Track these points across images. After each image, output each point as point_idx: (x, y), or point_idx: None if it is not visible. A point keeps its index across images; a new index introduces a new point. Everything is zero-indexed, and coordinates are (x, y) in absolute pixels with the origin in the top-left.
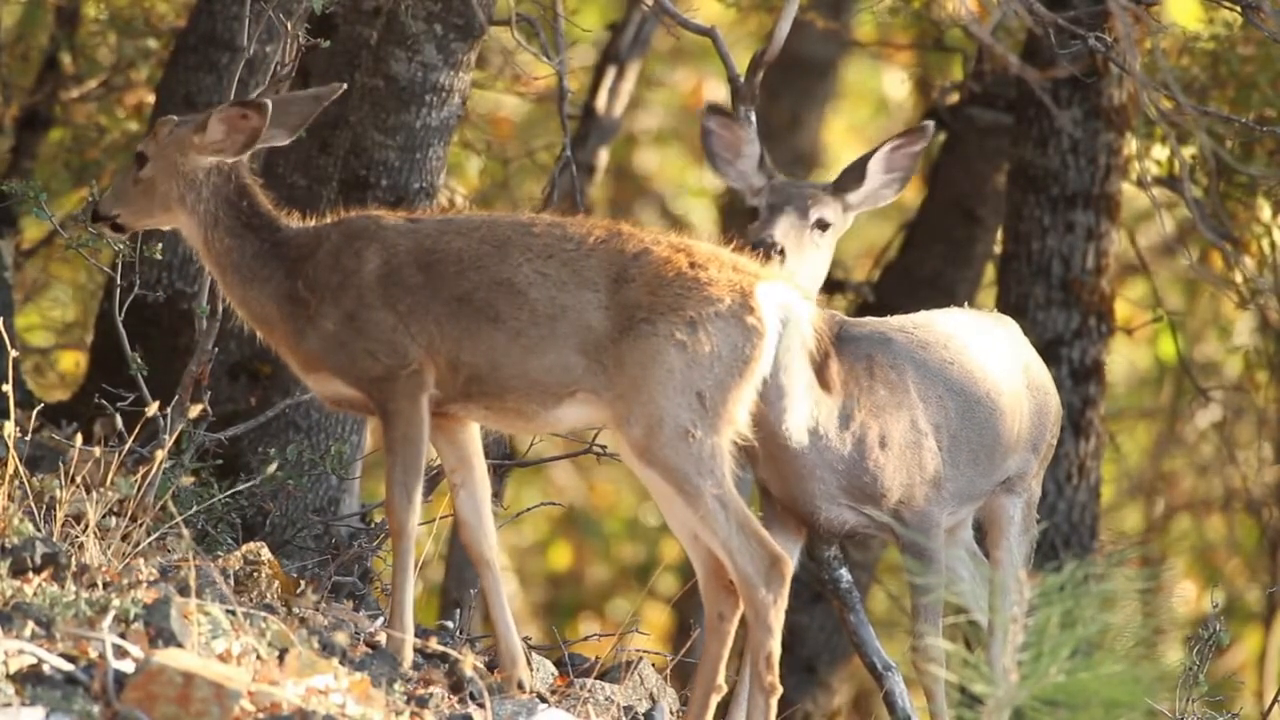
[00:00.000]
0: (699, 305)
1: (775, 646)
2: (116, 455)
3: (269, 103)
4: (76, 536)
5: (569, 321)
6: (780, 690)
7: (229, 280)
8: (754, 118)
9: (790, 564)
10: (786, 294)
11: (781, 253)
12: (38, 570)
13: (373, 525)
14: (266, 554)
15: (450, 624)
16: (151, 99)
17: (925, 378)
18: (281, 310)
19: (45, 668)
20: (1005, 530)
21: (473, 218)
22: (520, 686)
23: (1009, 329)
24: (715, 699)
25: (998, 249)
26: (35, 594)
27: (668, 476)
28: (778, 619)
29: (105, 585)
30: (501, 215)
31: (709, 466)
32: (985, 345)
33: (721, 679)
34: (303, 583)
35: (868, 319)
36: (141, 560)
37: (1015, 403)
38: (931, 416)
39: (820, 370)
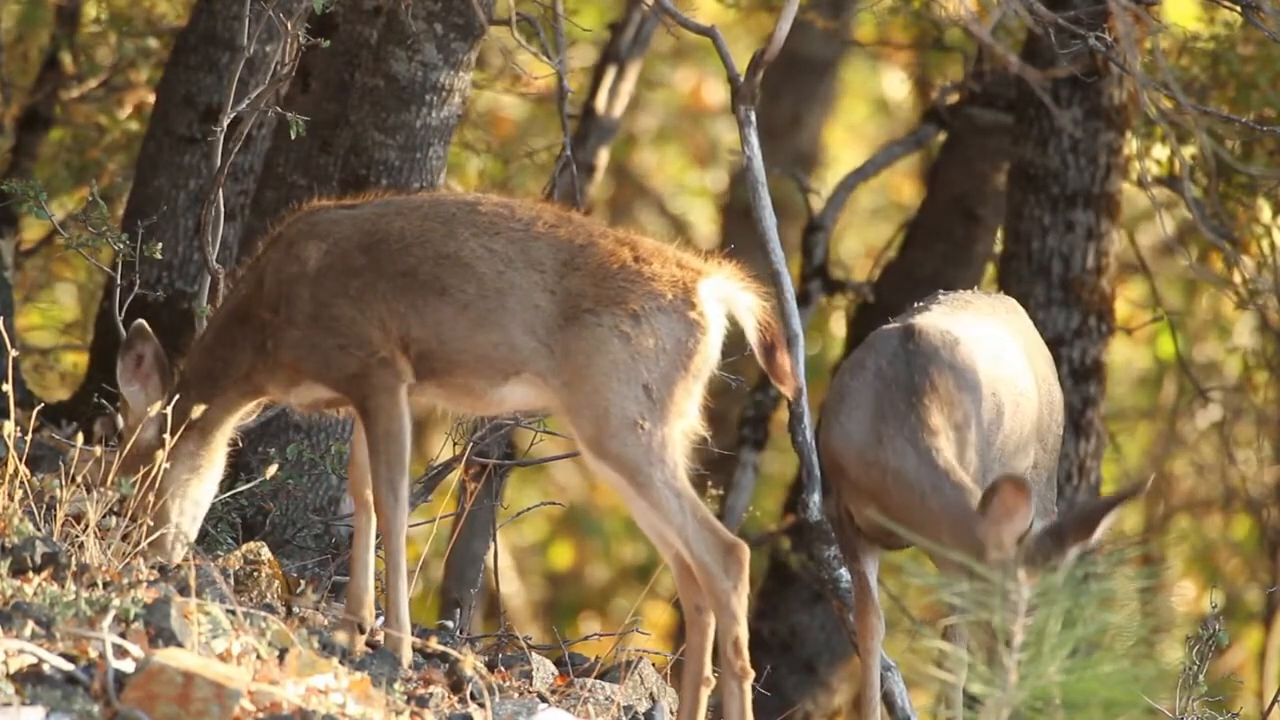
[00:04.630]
0: (642, 299)
1: (741, 631)
2: (117, 455)
3: (139, 323)
4: (76, 536)
5: (516, 298)
6: (752, 674)
7: (230, 393)
8: (754, 117)
9: (747, 551)
10: (728, 287)
11: None
12: (38, 570)
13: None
14: (266, 554)
15: (450, 624)
16: (151, 99)
17: (985, 379)
18: (257, 348)
19: (45, 668)
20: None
21: (414, 198)
22: (360, 629)
23: (1020, 315)
24: (705, 691)
25: (998, 249)
26: (35, 594)
27: (619, 468)
28: (740, 604)
29: (105, 585)
30: (446, 194)
31: (659, 456)
32: (1019, 341)
33: (708, 671)
34: (303, 583)
35: (931, 321)
36: (141, 560)
37: (1039, 394)
38: (987, 414)
39: (768, 360)
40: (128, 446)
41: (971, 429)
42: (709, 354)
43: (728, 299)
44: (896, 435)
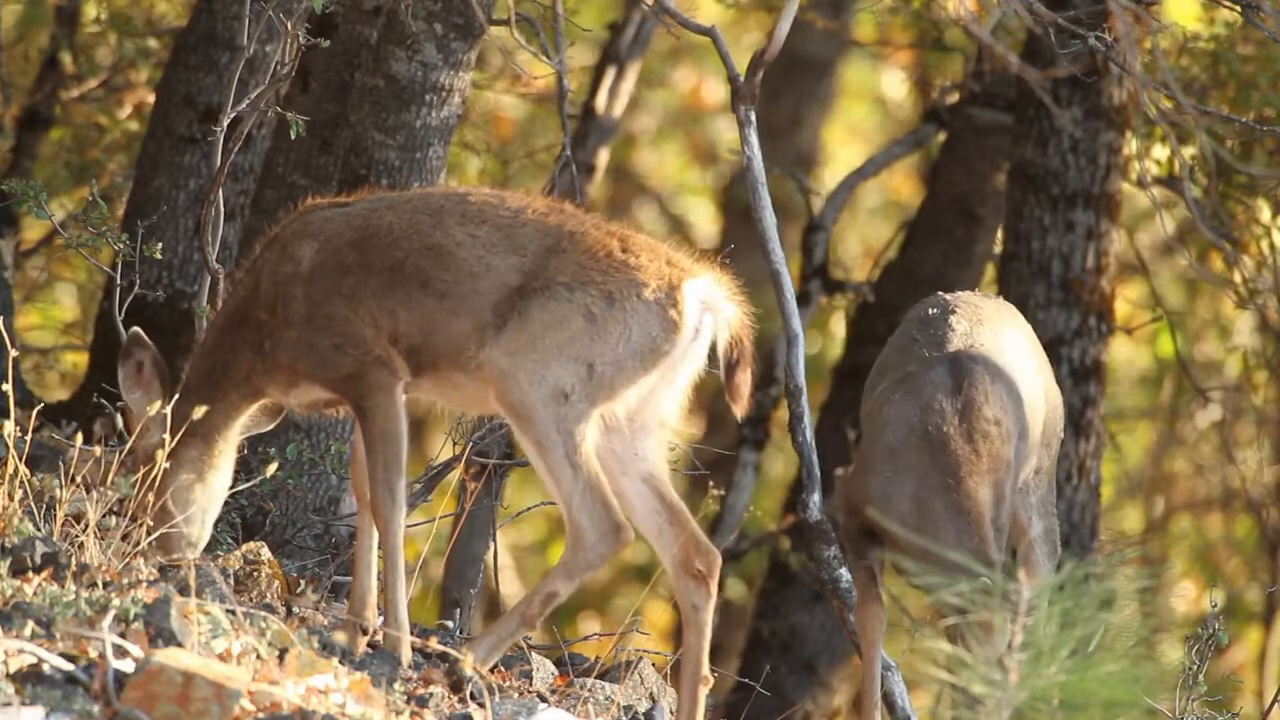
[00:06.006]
0: (622, 285)
1: (564, 595)
2: (116, 455)
3: (135, 331)
4: (76, 536)
5: (489, 280)
6: (535, 629)
7: (231, 396)
8: (754, 117)
9: (630, 536)
10: (714, 292)
11: None
12: (38, 570)
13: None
14: (266, 554)
15: (450, 624)
16: (151, 99)
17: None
18: (255, 349)
19: (45, 667)
20: (1028, 525)
21: (406, 193)
22: (363, 630)
23: (1021, 320)
24: (704, 690)
25: (998, 249)
26: (35, 594)
27: (528, 429)
28: (586, 574)
29: (105, 585)
30: (437, 189)
31: (569, 428)
32: (1028, 345)
33: (706, 670)
34: (303, 583)
35: (972, 355)
36: (141, 560)
37: (1046, 403)
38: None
39: (729, 377)
40: (130, 452)
41: (1011, 469)
42: (680, 353)
43: (711, 303)
44: (942, 515)
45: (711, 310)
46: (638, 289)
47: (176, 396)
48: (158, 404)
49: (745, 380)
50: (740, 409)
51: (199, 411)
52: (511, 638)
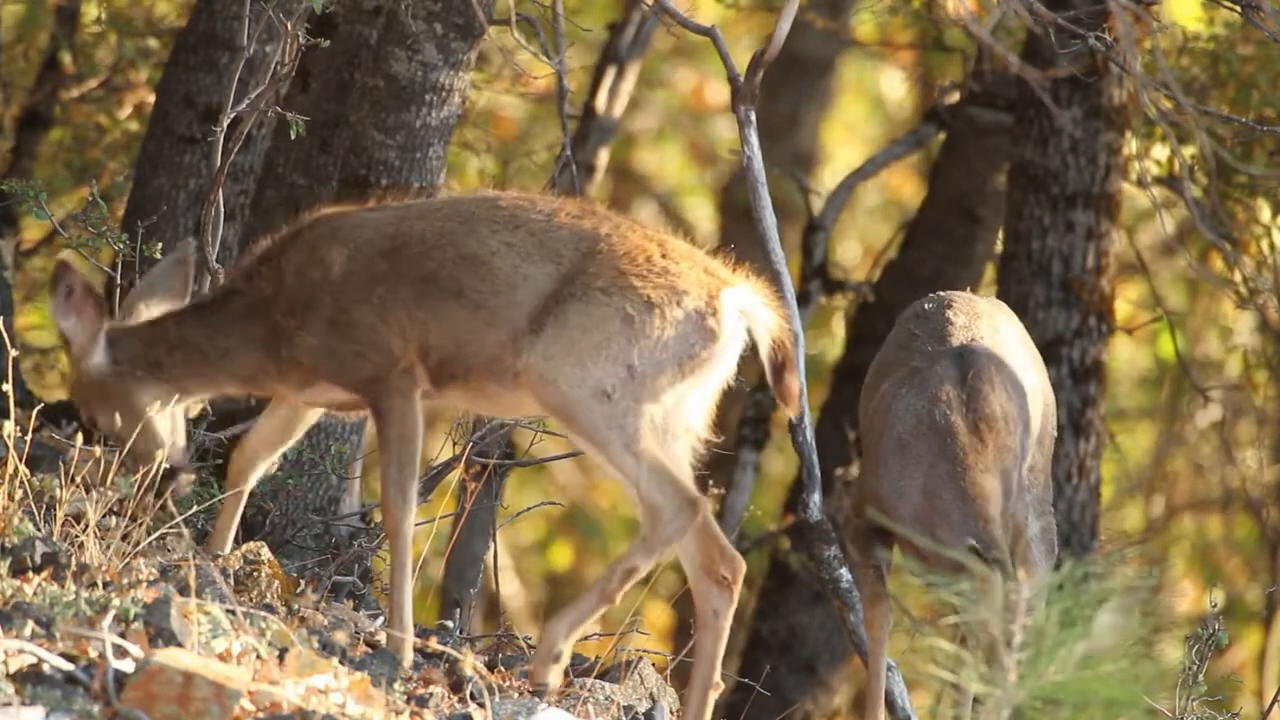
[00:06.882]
0: (662, 291)
1: (644, 570)
2: (116, 455)
3: (61, 259)
4: (76, 536)
5: (527, 289)
6: (615, 601)
7: (222, 381)
8: (754, 117)
9: (705, 509)
10: (752, 300)
11: None
12: (38, 570)
13: (372, 525)
14: (266, 554)
15: (450, 624)
16: (151, 99)
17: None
18: (269, 350)
19: (45, 667)
20: (1025, 525)
21: (433, 200)
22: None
23: (1014, 319)
24: (713, 696)
25: (998, 249)
26: (35, 594)
27: (580, 432)
28: (665, 548)
29: (105, 585)
30: (464, 193)
31: (619, 423)
32: (1022, 341)
33: (718, 676)
34: (303, 583)
35: (978, 349)
36: (141, 560)
37: (1042, 400)
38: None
39: (777, 382)
40: (75, 377)
41: (1019, 459)
42: (717, 362)
43: (748, 312)
44: (949, 502)
45: (749, 318)
46: (678, 296)
47: (152, 338)
48: (155, 408)
49: (794, 382)
50: (794, 410)
51: (173, 388)
52: (591, 615)
